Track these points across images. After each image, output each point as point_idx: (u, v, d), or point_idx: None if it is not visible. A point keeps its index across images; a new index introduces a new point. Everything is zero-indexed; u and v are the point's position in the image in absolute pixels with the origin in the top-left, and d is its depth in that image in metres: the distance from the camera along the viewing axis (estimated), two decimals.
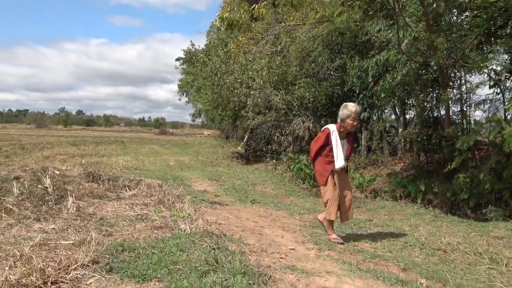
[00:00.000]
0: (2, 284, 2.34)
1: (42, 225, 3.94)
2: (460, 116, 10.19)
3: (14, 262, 2.74)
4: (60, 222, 4.04)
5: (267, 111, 15.51)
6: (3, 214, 4.27)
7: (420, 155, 11.26)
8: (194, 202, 6.05)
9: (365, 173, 11.08)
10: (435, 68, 9.14)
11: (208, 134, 44.96)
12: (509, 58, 8.74)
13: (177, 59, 34.99)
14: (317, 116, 14.75)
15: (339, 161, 4.59)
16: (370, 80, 10.18)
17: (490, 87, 8.97)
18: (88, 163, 11.38)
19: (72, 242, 3.28)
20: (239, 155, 17.77)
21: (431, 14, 8.40)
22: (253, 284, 2.63)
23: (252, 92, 15.22)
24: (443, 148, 9.14)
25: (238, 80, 16.07)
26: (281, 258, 3.69)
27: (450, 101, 9.22)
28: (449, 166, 8.22)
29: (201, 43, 63.32)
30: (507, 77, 8.74)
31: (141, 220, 4.35)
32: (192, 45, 29.83)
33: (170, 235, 3.71)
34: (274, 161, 14.42)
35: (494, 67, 8.94)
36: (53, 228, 3.78)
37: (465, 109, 10.16)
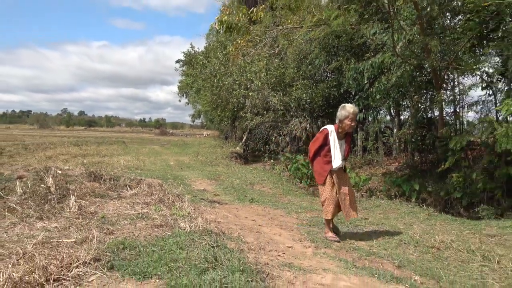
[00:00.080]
0: (6, 281, 2.33)
1: (44, 223, 3.94)
2: (453, 117, 10.21)
3: (17, 260, 2.73)
4: (62, 221, 4.04)
5: (265, 112, 15.51)
6: (6, 213, 4.26)
7: (414, 155, 11.28)
8: (193, 201, 6.05)
9: (361, 173, 11.09)
10: (429, 70, 9.16)
11: (207, 135, 44.95)
12: (500, 60, 8.75)
13: (177, 61, 34.98)
14: (314, 117, 14.75)
15: (336, 161, 4.59)
16: (366, 82, 10.19)
17: (483, 88, 8.99)
18: (90, 163, 11.36)
19: (74, 240, 3.28)
20: (237, 155, 17.76)
21: (425, 17, 8.42)
22: (251, 281, 2.62)
23: (250, 94, 15.22)
24: (437, 148, 9.16)
25: (237, 82, 16.07)
26: (279, 255, 3.69)
27: (443, 103, 9.23)
28: (442, 166, 8.23)
29: (200, 45, 63.32)
30: (499, 79, 8.76)
31: (142, 218, 4.34)
32: (192, 47, 29.81)
33: (170, 233, 3.71)
34: (272, 161, 14.42)
35: (486, 69, 8.96)
36: (56, 227, 3.78)
37: (458, 110, 10.18)
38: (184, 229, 3.84)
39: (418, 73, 9.61)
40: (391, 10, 7.97)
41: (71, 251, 2.93)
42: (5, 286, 2.31)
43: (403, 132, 10.99)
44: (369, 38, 9.54)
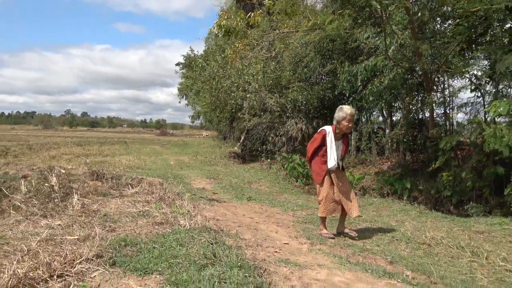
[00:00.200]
0: (11, 278, 2.32)
1: (48, 221, 3.92)
2: (443, 118, 10.24)
3: (22, 257, 2.72)
4: (65, 219, 4.02)
5: (262, 113, 15.50)
6: (11, 211, 4.24)
7: (406, 155, 11.30)
8: (193, 199, 6.04)
9: (355, 172, 11.11)
10: (420, 73, 9.18)
11: (206, 135, 44.93)
12: (488, 63, 8.78)
13: (177, 64, 34.87)
14: (310, 118, 14.76)
15: (331, 161, 4.58)
16: (359, 84, 10.19)
17: (472, 91, 9.02)
18: (93, 163, 11.33)
19: (77, 237, 3.27)
20: (236, 154, 17.75)
21: (416, 22, 8.43)
22: (249, 276, 2.62)
23: (248, 95, 15.21)
24: (428, 148, 9.18)
25: (235, 84, 16.05)
26: (276, 252, 3.69)
27: (434, 104, 9.26)
28: (433, 165, 8.25)
29: (200, 49, 63.25)
30: (487, 81, 8.78)
31: (143, 216, 4.33)
32: (192, 50, 29.79)
33: (170, 231, 3.70)
34: (269, 160, 14.43)
35: (475, 72, 9.00)
36: (59, 224, 3.76)
37: (448, 112, 10.20)
38: (184, 227, 3.83)
39: (409, 76, 9.63)
40: (384, 15, 7.98)
41: (74, 248, 2.92)
42: (10, 282, 2.30)
43: (395, 132, 11.02)
44: (362, 42, 9.55)
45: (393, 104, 11.63)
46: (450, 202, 8.11)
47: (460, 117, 10.89)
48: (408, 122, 10.44)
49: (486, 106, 8.37)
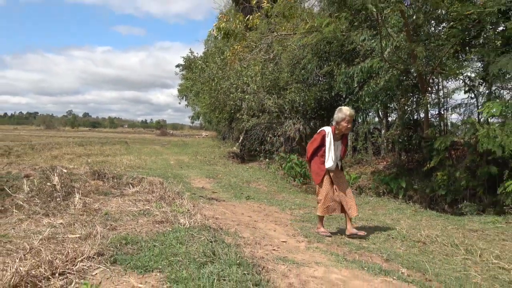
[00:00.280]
0: (13, 275, 2.31)
1: (50, 220, 3.91)
2: (438, 118, 10.26)
3: (24, 255, 2.71)
4: (67, 217, 4.01)
5: (260, 114, 15.49)
6: (14, 210, 4.23)
7: (401, 155, 11.32)
8: (192, 198, 6.03)
9: (351, 171, 11.11)
10: (415, 74, 9.19)
11: (206, 135, 44.91)
12: (482, 65, 8.80)
13: (177, 66, 34.88)
14: (307, 119, 14.77)
15: (329, 162, 4.57)
16: (356, 85, 10.20)
17: (465, 92, 9.04)
18: (94, 162, 11.30)
19: (78, 235, 3.26)
20: (234, 154, 17.74)
21: (411, 25, 8.45)
22: (248, 274, 2.62)
23: (246, 97, 15.19)
24: (423, 148, 9.20)
25: (234, 85, 16.03)
26: (274, 250, 3.68)
27: (428, 105, 9.28)
28: (428, 165, 8.27)
29: (199, 51, 63.28)
30: (480, 83, 8.81)
31: (144, 215, 4.32)
32: (191, 52, 29.74)
33: (170, 229, 3.69)
34: (267, 160, 14.42)
35: (469, 74, 9.02)
36: (61, 223, 3.75)
37: (442, 112, 10.23)
38: (184, 225, 3.82)
39: (404, 78, 9.65)
40: (379, 18, 7.99)
41: (76, 246, 2.91)
42: (12, 279, 2.29)
43: (390, 133, 11.02)
44: (358, 44, 9.56)
45: (388, 105, 11.64)
46: (444, 201, 8.13)
47: (454, 117, 10.93)
48: (403, 122, 10.46)
49: (479, 107, 8.39)
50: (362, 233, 4.60)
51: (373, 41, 9.09)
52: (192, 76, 25.14)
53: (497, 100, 7.47)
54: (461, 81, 9.17)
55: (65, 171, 6.32)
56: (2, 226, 3.74)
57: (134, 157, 14.51)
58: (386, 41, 8.48)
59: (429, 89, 9.69)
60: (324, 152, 4.61)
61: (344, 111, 4.51)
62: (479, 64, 9.01)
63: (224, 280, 2.48)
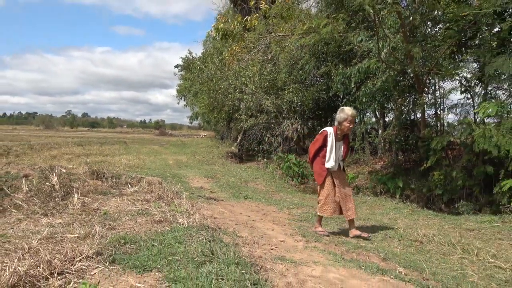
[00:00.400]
0: (11, 275, 2.29)
1: (49, 219, 3.89)
2: (434, 119, 10.28)
3: (23, 255, 2.69)
4: (66, 217, 3.99)
5: (258, 114, 15.50)
6: (13, 210, 4.21)
7: (398, 155, 11.33)
8: (191, 198, 6.02)
9: (349, 171, 11.11)
10: (411, 75, 9.21)
11: (204, 135, 44.87)
12: (478, 66, 8.83)
13: (176, 66, 34.83)
14: (305, 119, 14.77)
15: (330, 162, 4.55)
16: (353, 86, 10.21)
17: (461, 92, 9.06)
18: (93, 162, 11.27)
19: (77, 235, 3.24)
20: (233, 154, 17.72)
21: (408, 26, 8.46)
22: (246, 273, 2.61)
23: (245, 97, 15.20)
24: (419, 148, 9.20)
25: (232, 86, 16.03)
26: (272, 249, 3.68)
27: (425, 105, 9.30)
28: (424, 165, 8.28)
29: (198, 51, 63.22)
30: (476, 83, 8.83)
31: (142, 214, 4.31)
32: (190, 53, 29.77)
33: (169, 229, 3.68)
34: (265, 160, 14.41)
35: (465, 74, 9.04)
36: (60, 223, 3.74)
37: (439, 113, 10.25)
38: (182, 225, 3.81)
39: (401, 78, 9.66)
40: (376, 19, 8.00)
41: (75, 245, 2.89)
42: (11, 279, 2.27)
43: (387, 133, 11.04)
44: (356, 45, 9.56)
45: (385, 105, 11.65)
46: (441, 200, 8.14)
47: (450, 118, 10.98)
48: (400, 122, 10.47)
49: (475, 108, 8.41)
50: (365, 234, 4.54)
51: (370, 42, 9.10)
52: (190, 76, 25.14)
53: (493, 101, 7.49)
54: (457, 81, 9.20)
55: (64, 171, 6.30)
56: (0, 226, 3.72)
57: (133, 157, 14.47)
58: (383, 42, 8.49)
59: (426, 89, 9.71)
60: (326, 152, 4.58)
61: (346, 111, 4.48)
62: (475, 65, 9.05)
63: (223, 279, 2.47)
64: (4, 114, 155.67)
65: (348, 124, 4.48)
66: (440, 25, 9.18)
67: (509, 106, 7.50)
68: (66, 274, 2.48)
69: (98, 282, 2.43)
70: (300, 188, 10.12)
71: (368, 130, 13.35)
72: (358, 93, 10.02)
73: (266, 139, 14.98)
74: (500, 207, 6.31)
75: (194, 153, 18.41)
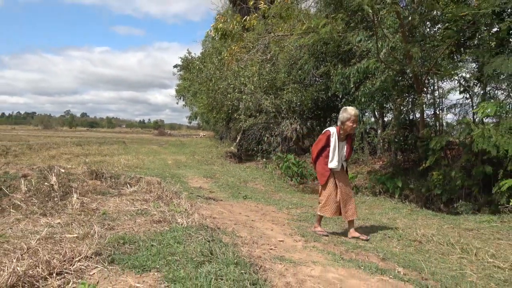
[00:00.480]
0: (10, 275, 2.29)
1: (48, 219, 3.89)
2: (433, 118, 10.29)
3: (22, 255, 2.68)
4: (65, 217, 3.99)
5: (257, 114, 15.51)
6: (11, 210, 4.20)
7: (397, 154, 11.34)
8: (190, 198, 6.01)
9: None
10: (410, 75, 9.22)
11: (203, 135, 44.84)
12: (476, 66, 8.84)
13: (175, 66, 34.84)
14: (304, 119, 14.79)
15: (333, 162, 4.53)
16: (352, 86, 10.21)
17: (460, 92, 9.07)
18: (92, 162, 11.25)
19: (76, 235, 3.23)
20: (232, 154, 17.72)
21: (407, 26, 8.46)
22: (245, 273, 2.61)
23: (244, 97, 15.20)
24: (418, 148, 9.21)
25: (231, 86, 16.03)
26: (271, 249, 3.68)
27: (424, 105, 9.30)
28: (423, 164, 8.29)
29: (197, 51, 63.15)
30: (475, 83, 8.84)
31: (141, 214, 4.30)
32: (189, 53, 29.78)
33: (168, 229, 3.67)
34: (264, 160, 14.41)
35: (464, 74, 9.06)
36: (59, 223, 3.73)
37: (438, 113, 10.26)
38: (181, 225, 3.81)
39: (400, 78, 9.67)
40: (375, 19, 8.00)
41: (74, 246, 2.89)
42: (9, 279, 2.27)
43: (386, 133, 11.04)
44: (355, 45, 9.57)
45: (384, 105, 11.66)
46: (440, 200, 8.15)
47: (449, 118, 10.99)
48: (399, 122, 10.48)
49: (474, 107, 8.42)
50: (364, 237, 4.53)
51: (369, 42, 9.11)
52: (189, 76, 25.11)
53: (492, 101, 7.50)
54: (456, 81, 9.21)
55: (63, 171, 6.29)
56: None
57: (132, 157, 14.45)
58: (382, 42, 8.49)
59: (425, 89, 9.72)
60: (329, 152, 4.56)
61: (349, 111, 4.45)
62: (474, 65, 9.06)
63: (222, 279, 2.47)
64: (3, 114, 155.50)
65: (351, 124, 4.46)
66: (439, 25, 9.20)
67: (508, 106, 7.52)
68: (65, 274, 2.48)
69: (97, 282, 2.42)
70: (299, 188, 10.12)
71: (367, 130, 13.36)
72: (357, 93, 10.02)
73: (265, 139, 14.98)
74: (499, 207, 6.32)
75: (193, 153, 18.40)
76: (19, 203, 4.41)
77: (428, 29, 9.73)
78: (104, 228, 3.60)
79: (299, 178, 10.73)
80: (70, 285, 2.36)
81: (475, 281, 3.25)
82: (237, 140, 19.43)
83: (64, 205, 4.47)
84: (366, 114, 13.49)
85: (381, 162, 11.87)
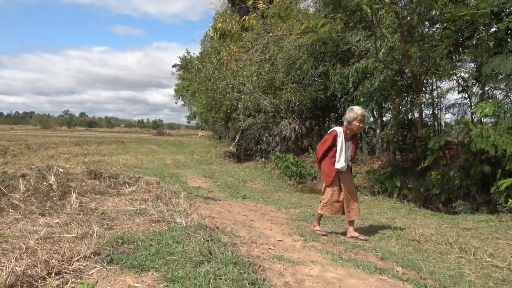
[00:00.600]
0: (9, 275, 2.29)
1: (46, 219, 3.88)
2: (432, 118, 10.30)
3: (20, 255, 2.68)
4: (63, 217, 3.98)
5: (256, 114, 15.50)
6: (10, 209, 4.19)
7: (396, 154, 11.36)
8: (189, 198, 6.01)
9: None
10: (409, 75, 9.23)
11: (202, 135, 44.80)
12: (475, 66, 8.86)
13: (174, 66, 34.83)
14: (303, 119, 14.80)
15: (340, 163, 4.50)
16: (351, 85, 10.22)
17: (459, 92, 9.09)
18: (90, 162, 11.24)
19: (75, 235, 3.23)
20: (231, 154, 17.71)
21: (406, 26, 8.47)
22: (244, 273, 2.61)
23: (242, 96, 15.19)
24: (417, 147, 9.23)
25: (230, 85, 16.03)
26: (270, 249, 3.68)
27: (422, 105, 9.31)
28: (422, 164, 8.30)
29: (196, 51, 63.19)
30: (474, 83, 8.85)
31: (140, 214, 4.30)
32: (188, 53, 29.81)
33: (167, 228, 3.67)
34: (263, 159, 14.41)
35: (462, 74, 9.07)
36: (57, 222, 3.72)
37: (436, 112, 10.27)
38: (180, 224, 3.81)
39: (399, 78, 9.68)
40: (374, 19, 8.01)
41: (72, 245, 2.89)
42: (8, 279, 2.26)
43: (385, 132, 11.06)
44: (353, 45, 9.58)
45: (383, 105, 11.68)
46: (438, 200, 8.16)
47: (448, 117, 11.01)
48: (398, 122, 10.49)
49: (473, 107, 8.44)
50: (363, 237, 4.52)
51: (368, 41, 9.12)
52: (188, 76, 25.12)
53: (490, 100, 7.52)
54: (455, 81, 9.23)
55: (62, 170, 6.28)
56: None
57: (131, 157, 14.44)
58: (380, 41, 8.50)
59: (423, 89, 9.73)
60: (335, 152, 4.52)
61: (355, 111, 4.43)
62: (472, 65, 9.08)
63: (221, 279, 2.47)
64: (1, 113, 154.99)
65: (358, 124, 4.43)
66: (438, 25, 9.21)
67: (506, 106, 7.55)
68: (64, 274, 2.48)
69: (96, 282, 2.42)
70: (298, 188, 10.12)
71: (366, 130, 13.38)
72: (356, 93, 10.03)
73: (264, 138, 14.98)
74: (497, 206, 6.33)
75: (192, 153, 18.39)
76: (17, 203, 4.40)
77: (426, 29, 9.75)
78: (102, 228, 3.60)
79: (298, 177, 10.73)
80: (68, 285, 2.36)
81: (473, 280, 3.25)
82: (236, 140, 19.42)
83: (63, 205, 4.46)
84: (365, 114, 13.50)
85: (379, 162, 11.89)
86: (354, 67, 9.10)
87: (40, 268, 2.45)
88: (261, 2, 10.62)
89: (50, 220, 3.85)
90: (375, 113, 13.12)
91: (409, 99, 10.49)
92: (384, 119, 13.24)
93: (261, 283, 2.55)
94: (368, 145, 13.10)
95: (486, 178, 7.15)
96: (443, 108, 10.13)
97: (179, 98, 37.16)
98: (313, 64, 12.64)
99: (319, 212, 4.69)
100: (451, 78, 9.12)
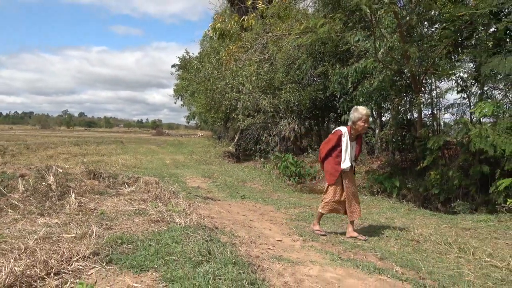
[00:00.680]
0: (8, 275, 2.28)
1: (45, 219, 3.87)
2: (431, 118, 10.31)
3: (19, 255, 2.68)
4: (63, 217, 3.97)
5: (256, 114, 15.50)
6: (9, 210, 4.18)
7: (395, 154, 11.36)
8: (188, 198, 6.01)
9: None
10: (408, 75, 9.23)
11: (201, 135, 44.77)
12: (474, 66, 8.87)
13: (173, 66, 34.80)
14: (302, 119, 14.81)
15: (346, 163, 4.48)
16: (350, 85, 10.22)
17: (458, 92, 9.11)
18: (90, 162, 11.23)
19: (74, 235, 3.23)
20: (230, 154, 17.71)
21: (405, 26, 8.48)
22: (243, 273, 2.61)
23: (242, 96, 15.20)
24: (416, 147, 9.24)
25: (229, 85, 16.03)
26: (269, 249, 3.68)
27: (422, 105, 9.33)
28: (421, 164, 8.30)
29: (195, 51, 63.18)
30: (473, 83, 8.87)
31: (139, 214, 4.29)
32: (187, 53, 29.81)
33: (166, 228, 3.67)
34: (262, 159, 14.42)
35: (461, 74, 9.09)
36: (56, 223, 3.72)
37: (435, 112, 10.28)
38: (180, 224, 3.80)
39: (398, 78, 9.69)
40: (373, 19, 8.01)
41: (71, 246, 2.88)
42: (7, 279, 2.26)
43: (384, 132, 11.06)
44: (353, 45, 9.59)
45: (382, 105, 11.69)
46: (437, 199, 8.17)
47: (447, 117, 11.03)
48: (397, 122, 10.50)
49: (472, 107, 8.45)
50: (362, 237, 4.52)
51: (367, 41, 9.12)
52: (187, 76, 25.10)
53: (489, 100, 7.53)
54: (454, 81, 9.24)
55: (61, 170, 6.27)
56: None
57: (130, 157, 14.43)
58: (379, 41, 8.51)
59: (422, 89, 9.74)
60: (340, 152, 4.49)
61: (360, 111, 4.41)
62: (471, 65, 9.09)
63: (220, 279, 2.47)
64: (0, 113, 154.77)
65: (362, 124, 4.41)
66: (437, 25, 9.22)
67: (505, 106, 7.55)
68: (63, 274, 2.48)
69: (95, 282, 2.42)
70: (297, 188, 10.13)
71: None
72: (355, 93, 10.04)
73: (263, 138, 14.99)
74: (496, 206, 6.34)
75: (191, 153, 18.38)
76: (16, 203, 4.39)
77: (425, 29, 9.76)
78: (102, 228, 3.59)
79: (297, 177, 10.74)
80: (68, 285, 2.35)
81: (472, 280, 3.25)
82: (235, 140, 19.43)
83: (62, 205, 4.45)
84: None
85: (379, 162, 11.89)
86: (353, 67, 9.11)
87: (39, 268, 2.45)
88: (260, 2, 10.62)
89: (49, 220, 3.84)
90: (374, 113, 13.10)
91: (408, 99, 10.50)
92: (383, 119, 13.25)
93: (260, 283, 2.55)
94: (368, 145, 13.09)
95: (485, 178, 7.16)
96: (442, 108, 10.16)
97: (178, 98, 37.14)
98: (312, 64, 12.65)
99: (320, 211, 4.68)
100: (450, 78, 9.13)
